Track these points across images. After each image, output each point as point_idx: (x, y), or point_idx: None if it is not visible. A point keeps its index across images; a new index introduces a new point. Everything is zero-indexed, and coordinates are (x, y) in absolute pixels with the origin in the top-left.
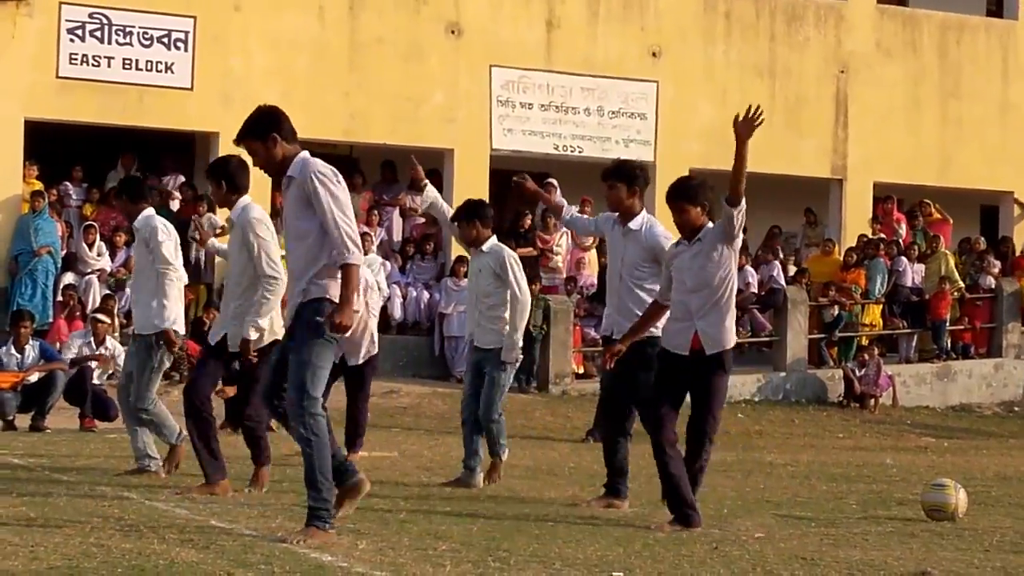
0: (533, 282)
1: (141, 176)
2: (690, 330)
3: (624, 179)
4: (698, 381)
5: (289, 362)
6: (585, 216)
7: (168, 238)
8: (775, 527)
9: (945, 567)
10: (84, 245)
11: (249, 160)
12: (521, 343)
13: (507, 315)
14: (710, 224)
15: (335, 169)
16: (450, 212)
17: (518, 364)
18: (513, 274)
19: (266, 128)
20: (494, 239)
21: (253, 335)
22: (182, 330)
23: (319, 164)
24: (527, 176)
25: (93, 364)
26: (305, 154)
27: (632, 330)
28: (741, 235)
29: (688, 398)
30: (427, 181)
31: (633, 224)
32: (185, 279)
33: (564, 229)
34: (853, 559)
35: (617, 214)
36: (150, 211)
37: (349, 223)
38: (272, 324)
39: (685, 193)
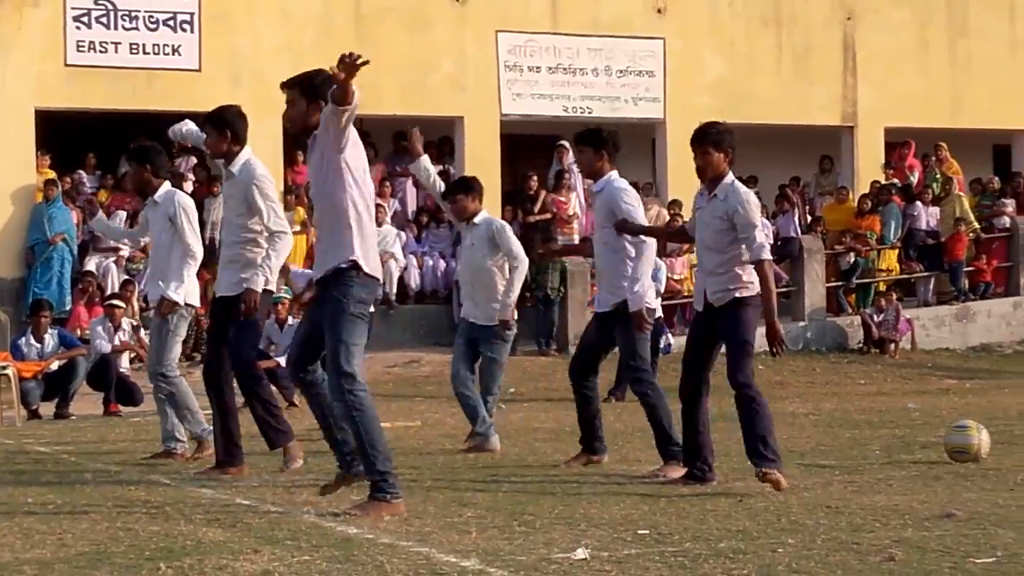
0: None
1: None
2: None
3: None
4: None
5: (325, 337)
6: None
7: (193, 217)
8: (799, 477)
9: (970, 508)
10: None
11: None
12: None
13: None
14: (730, 177)
15: None
16: (440, 186)
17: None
18: (508, 239)
19: (319, 92)
20: (485, 212)
21: (259, 287)
22: (197, 303)
23: None
24: (549, 246)
25: (124, 356)
26: None
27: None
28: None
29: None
30: (424, 154)
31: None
32: (200, 255)
33: (577, 190)
34: (878, 505)
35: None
36: (168, 185)
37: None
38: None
39: (709, 137)
